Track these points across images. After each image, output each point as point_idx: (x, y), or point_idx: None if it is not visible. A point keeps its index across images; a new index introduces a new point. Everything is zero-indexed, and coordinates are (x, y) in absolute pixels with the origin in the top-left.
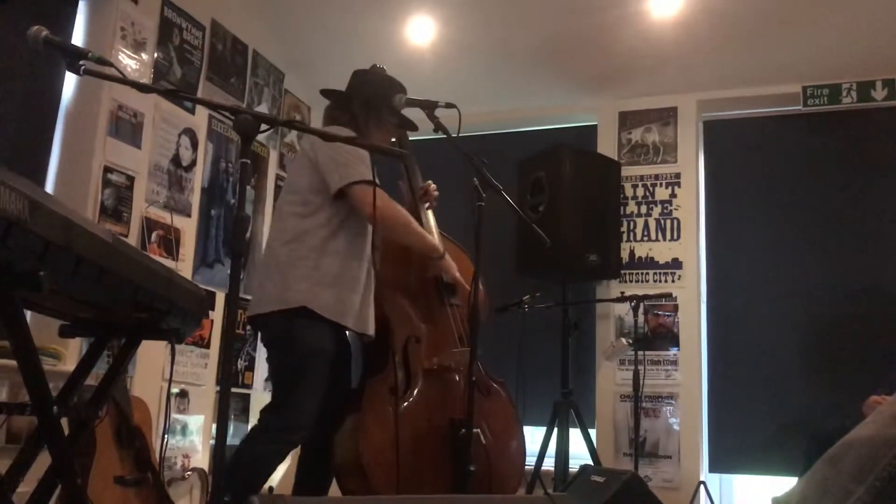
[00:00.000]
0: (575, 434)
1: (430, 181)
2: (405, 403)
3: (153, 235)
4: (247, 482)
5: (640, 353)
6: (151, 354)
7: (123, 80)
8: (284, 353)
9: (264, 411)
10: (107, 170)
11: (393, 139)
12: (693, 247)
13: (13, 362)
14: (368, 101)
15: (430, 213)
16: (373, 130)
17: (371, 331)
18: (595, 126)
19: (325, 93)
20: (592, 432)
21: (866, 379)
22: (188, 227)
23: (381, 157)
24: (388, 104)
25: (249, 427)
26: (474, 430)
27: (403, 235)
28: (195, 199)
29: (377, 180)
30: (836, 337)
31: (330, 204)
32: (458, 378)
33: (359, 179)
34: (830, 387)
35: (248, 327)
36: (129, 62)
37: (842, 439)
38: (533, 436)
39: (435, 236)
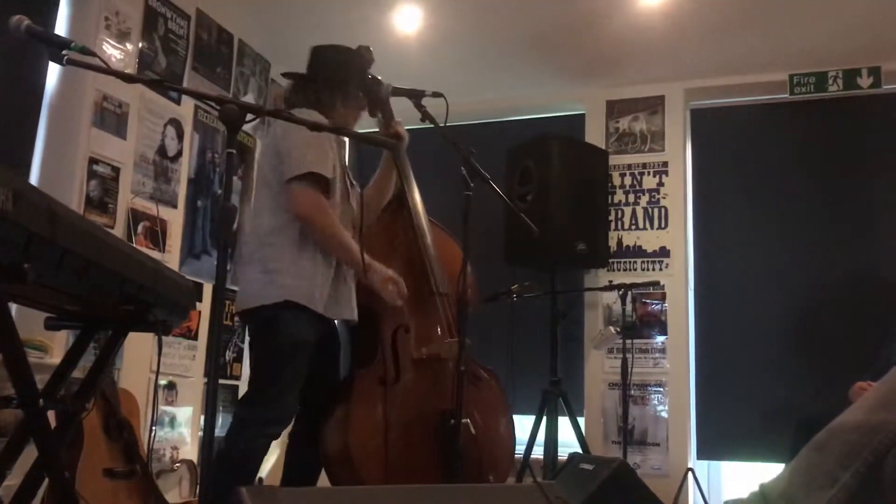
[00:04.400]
0: (564, 422)
1: (399, 120)
2: (394, 394)
3: (139, 227)
4: (236, 479)
5: (629, 341)
6: (139, 346)
7: (107, 70)
8: (267, 344)
9: (243, 405)
10: (92, 161)
11: (377, 120)
12: (681, 235)
13: None
14: (333, 77)
15: (417, 197)
16: (339, 108)
17: (354, 316)
18: (583, 115)
19: (288, 75)
20: (581, 420)
21: (853, 366)
22: (175, 219)
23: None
24: (354, 78)
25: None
26: (463, 420)
27: (327, 246)
28: (181, 190)
29: (344, 167)
30: (823, 324)
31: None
32: (447, 368)
33: (300, 173)
34: (817, 374)
35: (236, 319)
36: (114, 52)
37: (827, 426)
38: (522, 424)
39: (422, 219)
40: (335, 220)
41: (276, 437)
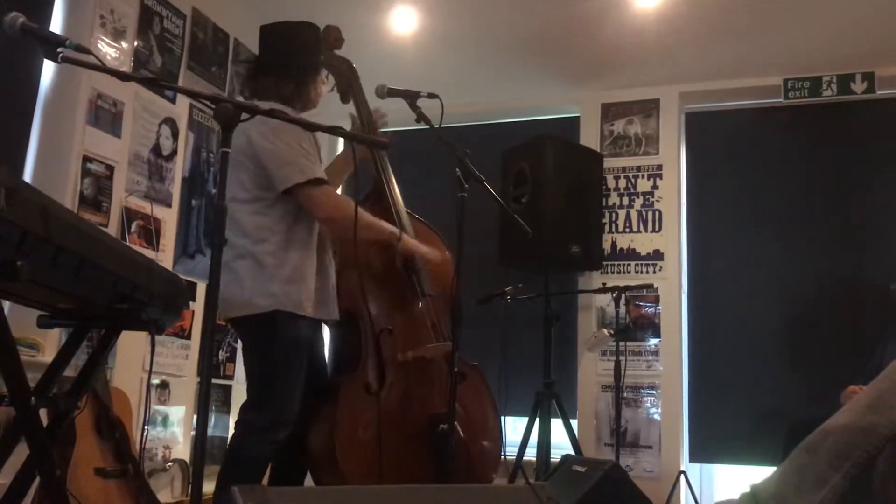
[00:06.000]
0: (557, 424)
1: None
2: (380, 398)
3: (133, 225)
4: None
5: (622, 343)
6: (132, 345)
7: (102, 68)
8: (266, 348)
9: (246, 410)
10: (86, 159)
11: (349, 113)
12: (674, 238)
13: None
14: (306, 61)
15: (396, 192)
16: (311, 92)
17: (336, 315)
18: (578, 118)
19: (247, 62)
20: (574, 422)
21: (844, 369)
22: (169, 218)
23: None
24: (318, 55)
25: (231, 420)
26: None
27: (362, 235)
28: (176, 189)
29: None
30: (816, 327)
31: (283, 199)
32: (434, 370)
33: (302, 180)
34: (809, 377)
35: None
36: (109, 50)
37: (819, 427)
38: (515, 426)
39: (402, 212)
40: (353, 205)
41: (282, 441)
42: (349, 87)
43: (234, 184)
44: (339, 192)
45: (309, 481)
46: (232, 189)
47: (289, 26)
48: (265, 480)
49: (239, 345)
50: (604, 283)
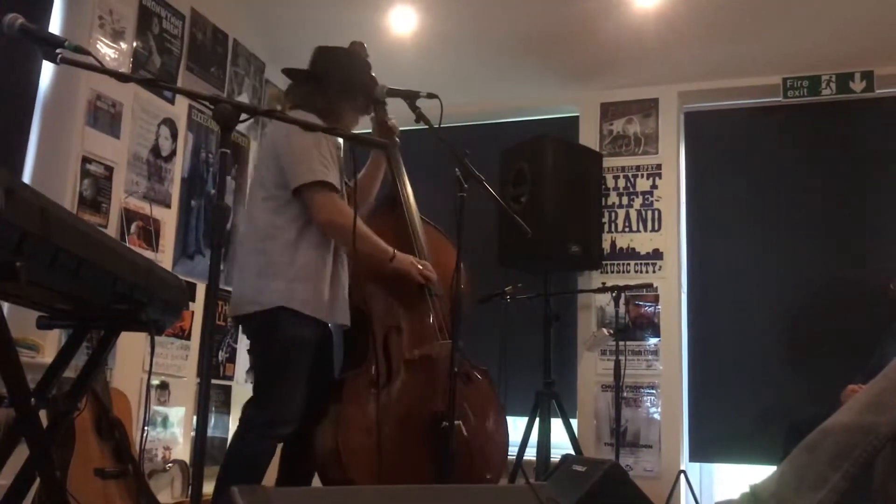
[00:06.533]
0: (557, 424)
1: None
2: (385, 395)
3: (132, 226)
4: (244, 482)
5: (621, 343)
6: (131, 346)
7: (101, 69)
8: (267, 346)
9: (249, 407)
10: (85, 160)
11: (370, 116)
12: (674, 237)
13: None
14: (345, 84)
15: (410, 196)
16: (345, 113)
17: (347, 320)
18: (577, 117)
19: (290, 72)
20: (574, 422)
21: (844, 368)
22: (168, 218)
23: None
24: (362, 86)
25: (231, 420)
26: (455, 422)
27: (359, 247)
28: (175, 190)
29: (342, 170)
30: (815, 327)
31: (297, 198)
32: (439, 369)
33: (311, 181)
34: (809, 376)
35: (229, 319)
36: (108, 51)
37: (819, 427)
38: (515, 425)
39: (416, 218)
40: (353, 216)
41: (284, 437)
42: (374, 102)
43: (256, 183)
44: (372, 199)
45: (316, 481)
46: (254, 188)
47: (333, 48)
48: (272, 480)
49: (238, 345)
50: (603, 283)
